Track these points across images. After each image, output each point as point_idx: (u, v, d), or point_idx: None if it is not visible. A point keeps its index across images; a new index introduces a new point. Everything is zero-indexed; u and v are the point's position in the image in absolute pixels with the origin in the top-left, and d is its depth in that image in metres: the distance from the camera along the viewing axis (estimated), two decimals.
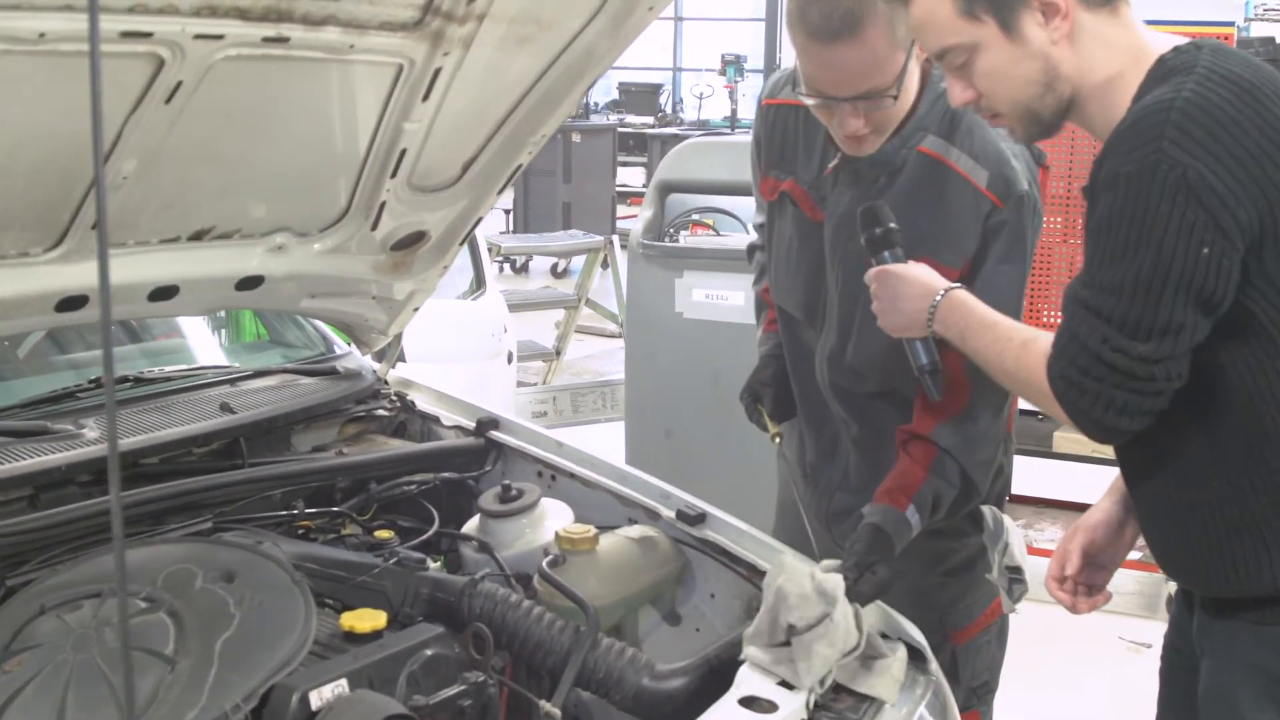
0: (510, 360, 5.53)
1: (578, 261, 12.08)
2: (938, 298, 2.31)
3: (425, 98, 2.52)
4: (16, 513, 2.40)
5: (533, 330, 8.44)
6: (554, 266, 12.76)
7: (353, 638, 2.17)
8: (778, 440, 2.96)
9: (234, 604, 2.11)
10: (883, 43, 2.35)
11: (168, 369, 3.00)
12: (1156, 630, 5.32)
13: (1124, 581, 5.27)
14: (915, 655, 2.44)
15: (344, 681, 1.99)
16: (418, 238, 2.96)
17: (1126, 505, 2.39)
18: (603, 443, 6.52)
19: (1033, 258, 2.63)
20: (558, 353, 7.79)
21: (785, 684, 2.21)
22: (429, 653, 2.14)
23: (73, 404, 2.72)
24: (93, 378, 2.81)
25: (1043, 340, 2.14)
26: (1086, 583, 2.46)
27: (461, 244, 3.05)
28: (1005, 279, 2.54)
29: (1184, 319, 1.93)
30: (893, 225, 2.42)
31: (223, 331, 3.90)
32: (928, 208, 2.54)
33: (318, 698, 1.95)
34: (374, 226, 2.83)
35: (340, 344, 3.45)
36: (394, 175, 2.70)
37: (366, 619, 2.19)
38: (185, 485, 2.53)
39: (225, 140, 2.38)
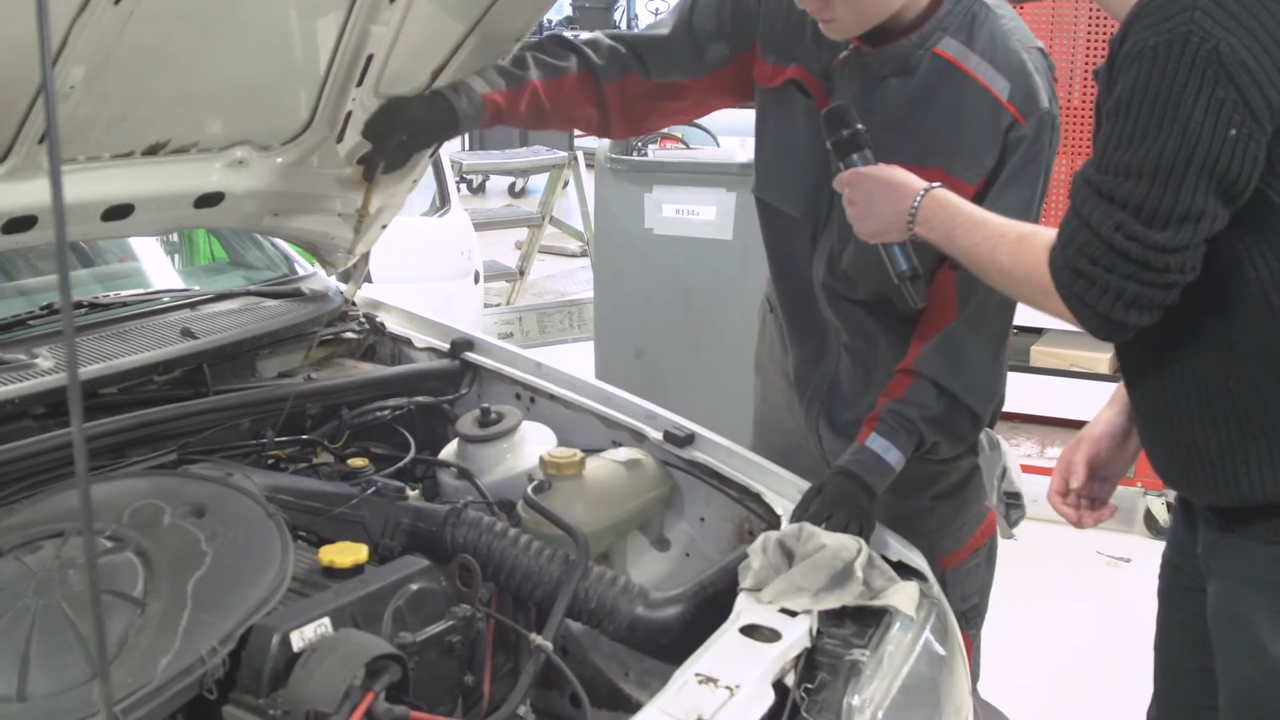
0: (477, 280, 5.38)
1: (535, 181, 11.92)
2: (918, 198, 2.19)
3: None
4: None
5: (493, 250, 8.27)
6: (511, 185, 12.57)
7: (333, 573, 2.05)
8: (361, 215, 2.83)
9: (205, 540, 1.98)
10: None
11: (124, 293, 2.84)
12: (1134, 544, 5.37)
13: None
14: (913, 575, 2.35)
15: (327, 620, 1.87)
16: None
17: (1129, 415, 2.31)
18: (572, 364, 6.42)
19: (1048, 185, 2.48)
20: (521, 272, 7.63)
21: (787, 611, 2.11)
22: (415, 587, 2.02)
23: (24, 332, 2.56)
24: (45, 304, 2.65)
25: (1042, 234, 2.02)
26: (1090, 496, 2.38)
27: (430, 158, 2.89)
28: (1016, 201, 2.39)
29: (1204, 206, 1.82)
30: (860, 126, 2.30)
31: (176, 256, 3.74)
32: (941, 115, 2.40)
33: (299, 638, 1.83)
34: (339, 139, 2.67)
35: (304, 264, 3.31)
36: (360, 84, 2.55)
37: (347, 553, 2.07)
38: (147, 415, 2.38)
39: (180, 46, 2.21)
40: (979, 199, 2.37)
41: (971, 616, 2.91)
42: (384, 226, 3.02)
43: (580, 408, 2.81)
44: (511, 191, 12.59)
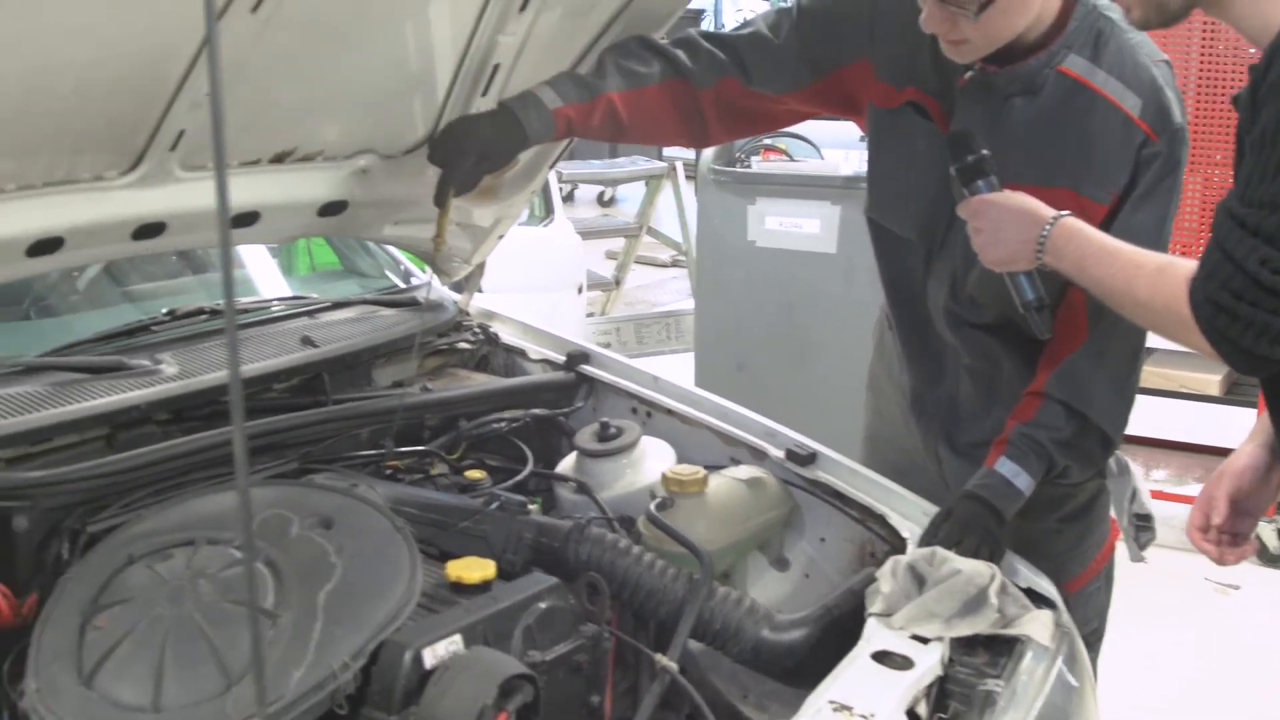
0: (580, 291, 5.35)
1: (624, 190, 11.89)
2: (1048, 226, 2.12)
3: (522, 8, 2.34)
4: (93, 454, 2.27)
5: (587, 260, 8.24)
6: (600, 195, 12.55)
7: (460, 589, 2.02)
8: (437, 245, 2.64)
9: (334, 552, 1.96)
10: None
11: (244, 300, 2.84)
12: (1243, 572, 5.21)
13: None
14: (1043, 602, 2.28)
15: (458, 638, 1.84)
16: None
17: (1272, 449, 2.22)
18: (670, 375, 6.38)
19: (1179, 202, 2.40)
20: (617, 282, 7.60)
21: (918, 638, 2.06)
22: (544, 605, 1.99)
23: (148, 338, 2.56)
24: (166, 309, 2.65)
25: (1181, 265, 1.95)
26: (1231, 531, 2.29)
27: (550, 168, 2.87)
28: (1149, 219, 2.32)
29: None
30: (985, 152, 2.22)
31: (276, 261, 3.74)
32: (1069, 134, 2.33)
33: (431, 655, 1.80)
34: None
35: (417, 273, 3.29)
36: (484, 94, 2.53)
37: (475, 569, 2.04)
38: (270, 423, 2.38)
39: (309, 54, 2.20)
40: (1110, 218, 2.30)
41: (1092, 640, 2.82)
42: (500, 237, 3.00)
43: (698, 423, 2.76)
44: (601, 201, 12.58)
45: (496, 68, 2.47)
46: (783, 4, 2.63)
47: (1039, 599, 2.26)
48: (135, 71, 1.97)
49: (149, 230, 2.26)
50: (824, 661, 2.05)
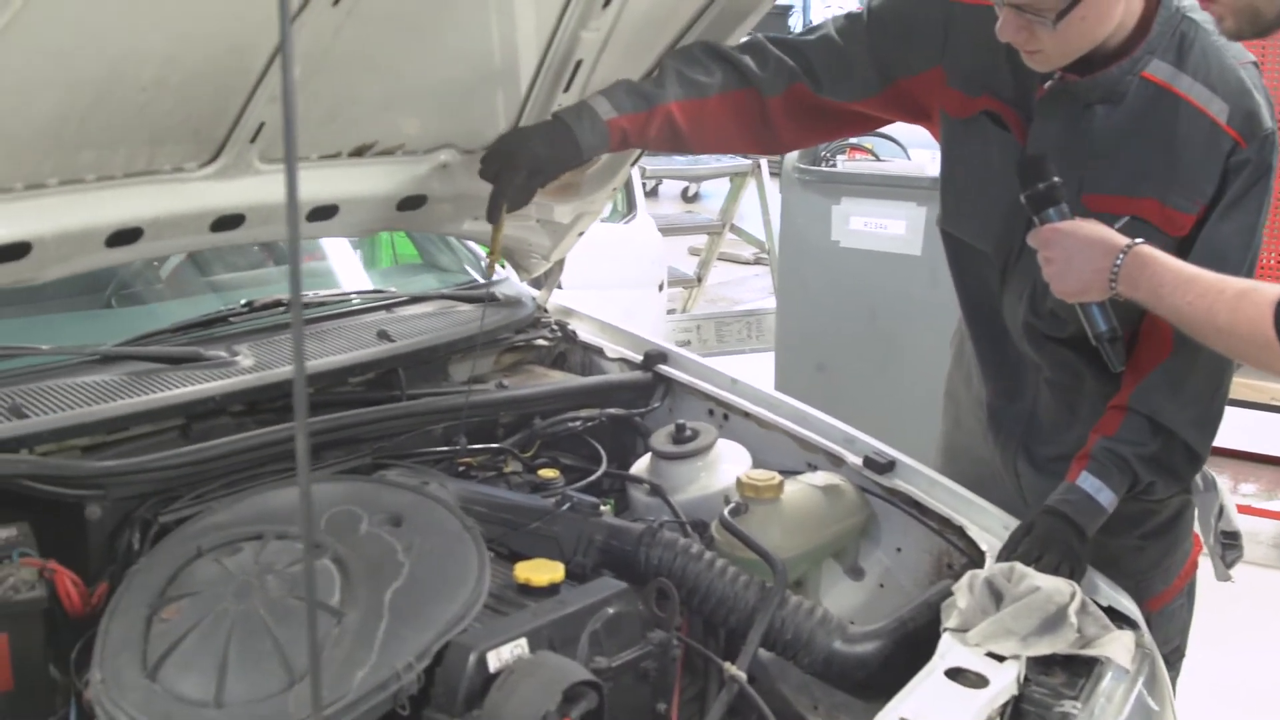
0: (661, 288, 5.31)
1: (708, 186, 11.84)
2: (1120, 255, 2.05)
3: (606, 3, 2.31)
4: (168, 444, 2.27)
5: (668, 256, 8.19)
6: (685, 190, 12.50)
7: (528, 591, 2.00)
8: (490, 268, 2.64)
9: (402, 551, 1.94)
10: None
11: (321, 293, 2.83)
12: None
13: None
14: (1124, 622, 2.21)
15: (524, 641, 1.81)
16: None
17: None
18: (749, 374, 6.32)
19: (1269, 210, 2.30)
20: (699, 279, 7.55)
21: (994, 655, 2.00)
22: (612, 611, 1.95)
23: (225, 329, 2.57)
24: (245, 300, 2.66)
25: (1264, 290, 1.89)
26: None
27: (632, 165, 2.84)
28: (1239, 228, 2.24)
29: None
30: (1057, 180, 2.16)
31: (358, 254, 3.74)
32: (1153, 142, 2.24)
33: (496, 658, 1.77)
34: None
35: (497, 269, 3.27)
36: (567, 89, 2.50)
37: (544, 571, 2.01)
38: (345, 418, 2.37)
39: (389, 47, 2.18)
40: (1197, 229, 2.23)
41: (1173, 659, 2.75)
42: (580, 234, 2.98)
43: (775, 427, 2.72)
44: (685, 197, 12.54)
45: (579, 64, 2.44)
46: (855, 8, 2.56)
47: (1120, 618, 2.20)
48: (214, 64, 1.96)
49: (228, 222, 2.26)
50: (896, 676, 2.01)
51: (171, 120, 2.03)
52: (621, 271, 4.83)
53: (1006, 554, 2.22)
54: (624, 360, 3.00)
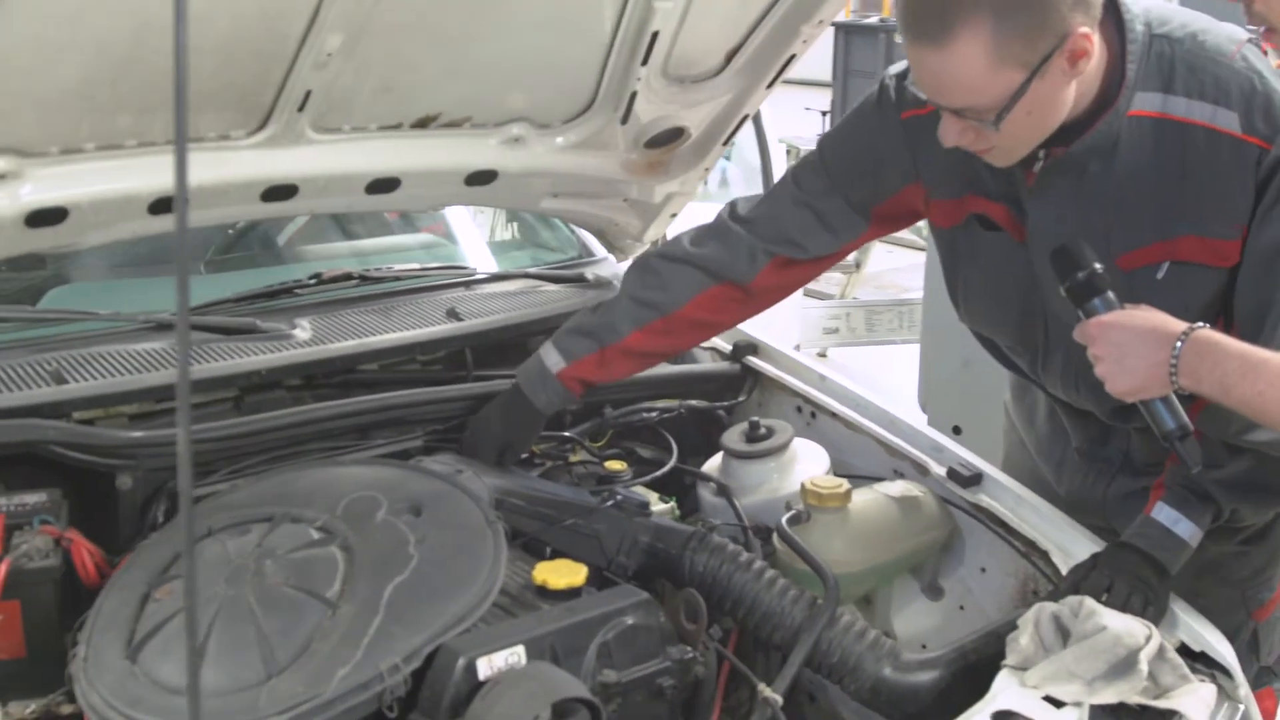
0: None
1: None
2: (1178, 344, 1.80)
3: None
4: (219, 416, 2.24)
5: None
6: None
7: (545, 594, 1.89)
8: None
9: (414, 543, 1.86)
10: (978, 59, 1.81)
11: (398, 267, 2.77)
12: None
13: None
14: (1216, 669, 1.99)
15: (521, 649, 1.71)
16: (675, 135, 2.64)
17: None
18: (895, 366, 6.12)
19: None
20: (858, 265, 7.31)
21: (1053, 700, 1.81)
22: (629, 621, 1.83)
23: (289, 300, 2.52)
24: (314, 273, 2.60)
25: None
26: None
27: (725, 144, 2.70)
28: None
29: None
30: (1098, 266, 1.90)
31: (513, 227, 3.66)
32: (1167, 179, 1.98)
33: (487, 665, 1.68)
34: (624, 120, 2.52)
35: (599, 248, 3.16)
36: (645, 62, 2.38)
37: (563, 573, 1.91)
38: (391, 399, 2.30)
39: (446, 15, 2.09)
40: (1245, 246, 1.97)
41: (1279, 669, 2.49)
42: (674, 215, 2.85)
43: (862, 430, 2.56)
44: None
45: (655, 35, 2.31)
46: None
47: (1211, 664, 1.98)
48: (250, 29, 1.91)
49: (280, 192, 2.21)
50: (953, 710, 1.84)
51: (211, 87, 1.98)
52: None
53: (1071, 586, 2.01)
54: (715, 350, 2.86)
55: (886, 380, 6.15)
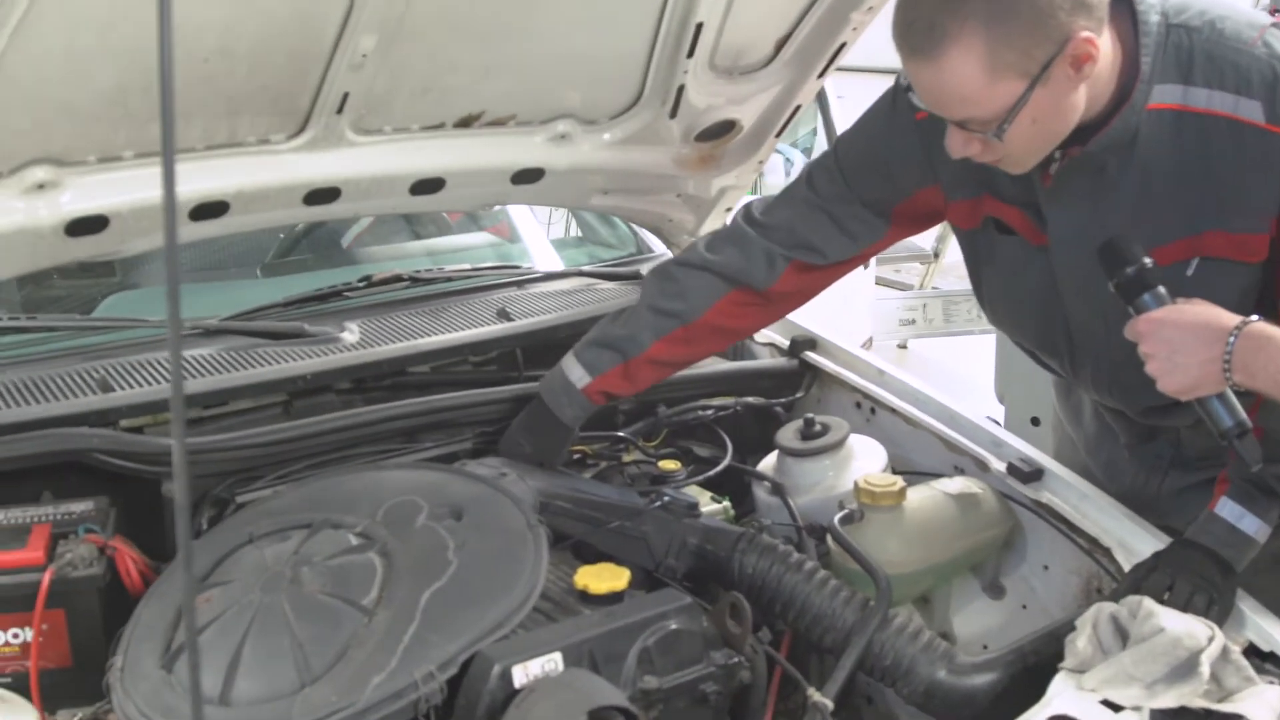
0: (866, 265, 5.03)
1: None
2: (1231, 338, 1.73)
3: None
4: (268, 420, 2.24)
5: None
6: None
7: (587, 598, 1.86)
8: None
9: (454, 548, 1.83)
10: (973, 71, 1.75)
11: (449, 268, 2.75)
12: None
13: None
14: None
15: (558, 656, 1.68)
16: (726, 128, 2.60)
17: None
18: (974, 358, 6.00)
19: None
20: (936, 255, 7.18)
21: (1111, 704, 1.75)
22: (671, 626, 1.79)
23: (340, 304, 2.52)
24: (363, 276, 2.60)
25: None
26: None
27: (778, 135, 2.65)
28: None
29: None
30: (1147, 261, 1.82)
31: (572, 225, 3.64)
32: (1189, 172, 1.90)
33: (523, 673, 1.65)
34: (673, 114, 2.48)
35: (657, 245, 3.12)
36: (691, 54, 2.33)
37: (605, 577, 1.87)
38: (437, 401, 2.28)
39: (483, 12, 2.07)
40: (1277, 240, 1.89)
41: None
42: (729, 209, 2.81)
43: (922, 425, 2.49)
44: None
45: (700, 26, 2.27)
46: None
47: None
48: (283, 32, 1.90)
49: (322, 195, 2.20)
50: (1010, 713, 1.78)
51: (246, 91, 1.98)
52: None
53: (1131, 586, 1.94)
54: (773, 345, 2.81)
55: (966, 372, 6.04)
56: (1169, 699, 1.74)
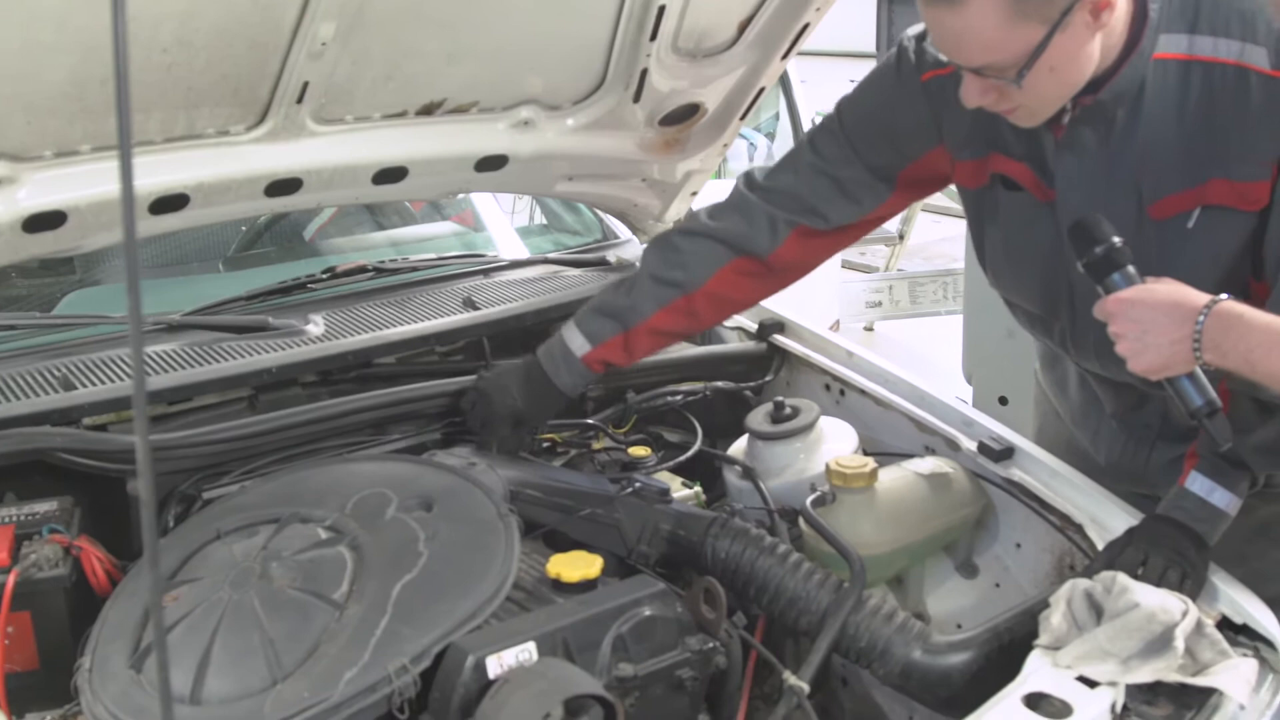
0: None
1: None
2: (1200, 317, 1.73)
3: None
4: (234, 415, 2.21)
5: None
6: None
7: (560, 586, 1.84)
8: None
9: (424, 540, 1.82)
10: (994, 16, 1.75)
11: (413, 258, 2.73)
12: None
13: None
14: (1260, 641, 1.93)
15: (532, 646, 1.66)
16: (690, 111, 2.58)
17: None
18: (941, 338, 6.02)
19: None
20: (901, 236, 7.19)
21: (1086, 680, 1.75)
22: (646, 613, 1.78)
23: (304, 296, 2.49)
24: (327, 268, 2.57)
25: None
26: None
27: (742, 118, 2.63)
28: None
29: None
30: (1116, 240, 1.83)
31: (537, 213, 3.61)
32: (1194, 121, 1.90)
33: (497, 664, 1.63)
34: (637, 98, 2.47)
35: (623, 230, 3.10)
36: (654, 37, 2.32)
37: (577, 565, 1.86)
38: (403, 393, 2.26)
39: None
40: (1275, 186, 1.89)
41: None
42: (694, 194, 2.80)
43: (892, 406, 2.49)
44: None
45: (662, 9, 2.26)
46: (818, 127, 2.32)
47: (1256, 637, 1.91)
48: (241, 21, 1.87)
49: (284, 187, 2.17)
50: (987, 691, 1.78)
51: (204, 82, 1.95)
52: None
53: (1106, 562, 1.95)
54: (741, 329, 2.80)
55: (933, 352, 6.05)
56: (1144, 674, 1.75)
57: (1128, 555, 1.93)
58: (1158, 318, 1.78)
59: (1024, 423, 2.62)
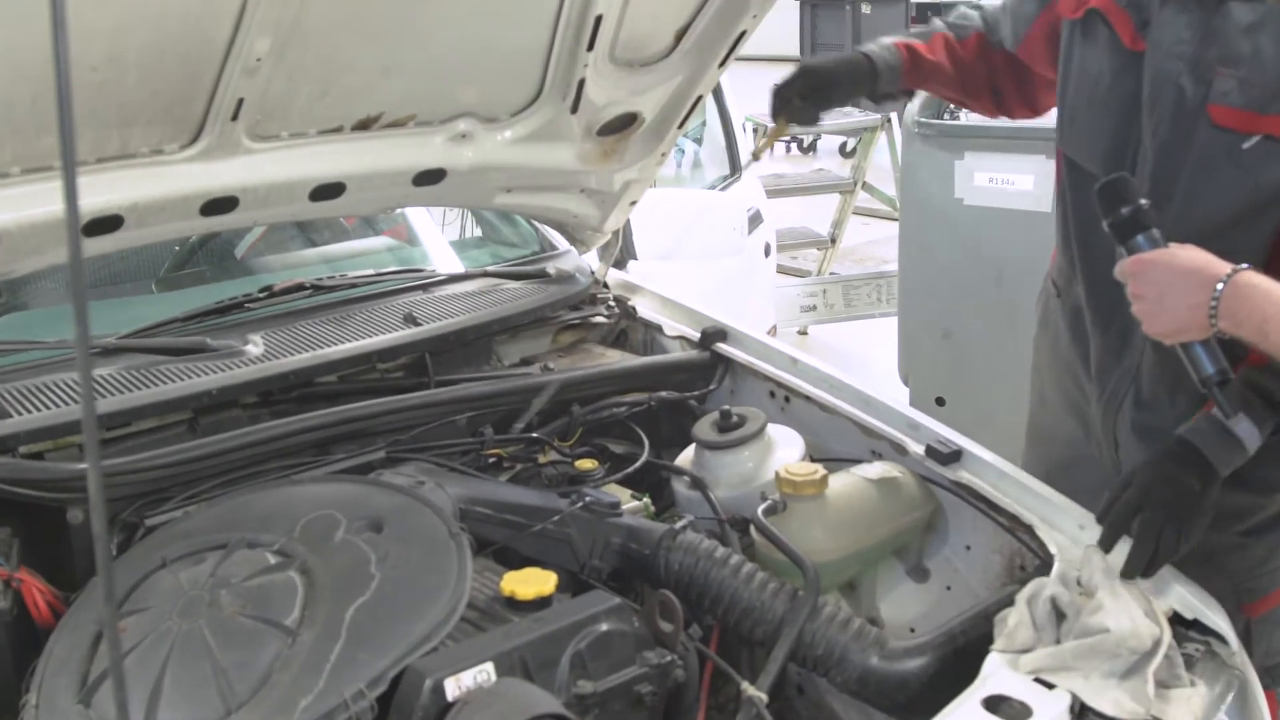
0: (768, 253, 5.05)
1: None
2: (1219, 285, 1.75)
3: None
4: (173, 440, 2.16)
5: (816, 215, 7.90)
6: (842, 146, 12.13)
7: (515, 605, 1.82)
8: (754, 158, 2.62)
9: (375, 562, 1.79)
10: None
11: (352, 274, 2.69)
12: None
13: None
14: (1211, 636, 1.95)
15: (489, 666, 1.64)
16: (628, 121, 2.57)
17: None
18: (875, 340, 6.06)
19: None
20: (833, 240, 7.23)
21: (1043, 681, 1.75)
22: (603, 628, 1.76)
23: (241, 315, 2.45)
24: (264, 285, 2.53)
25: None
26: None
27: (680, 127, 2.63)
28: None
29: None
30: (1143, 202, 1.86)
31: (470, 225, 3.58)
32: None
33: (455, 686, 1.60)
34: (574, 109, 2.45)
35: (561, 241, 3.08)
36: (590, 48, 2.31)
37: (531, 582, 1.83)
38: (346, 412, 2.23)
39: (380, 12, 2.02)
40: None
41: (1277, 674, 2.41)
42: (633, 203, 2.78)
43: (838, 412, 2.49)
44: (842, 152, 12.16)
45: (600, 19, 2.24)
46: None
47: (1206, 632, 1.93)
48: (173, 36, 1.83)
49: (220, 205, 2.13)
50: (944, 696, 1.78)
51: (137, 99, 1.91)
52: (710, 240, 4.56)
53: (1103, 511, 1.98)
54: (684, 338, 2.79)
55: (868, 355, 6.09)
56: (1106, 702, 1.73)
57: (1125, 502, 1.94)
58: (1177, 281, 1.80)
59: (963, 422, 2.63)
